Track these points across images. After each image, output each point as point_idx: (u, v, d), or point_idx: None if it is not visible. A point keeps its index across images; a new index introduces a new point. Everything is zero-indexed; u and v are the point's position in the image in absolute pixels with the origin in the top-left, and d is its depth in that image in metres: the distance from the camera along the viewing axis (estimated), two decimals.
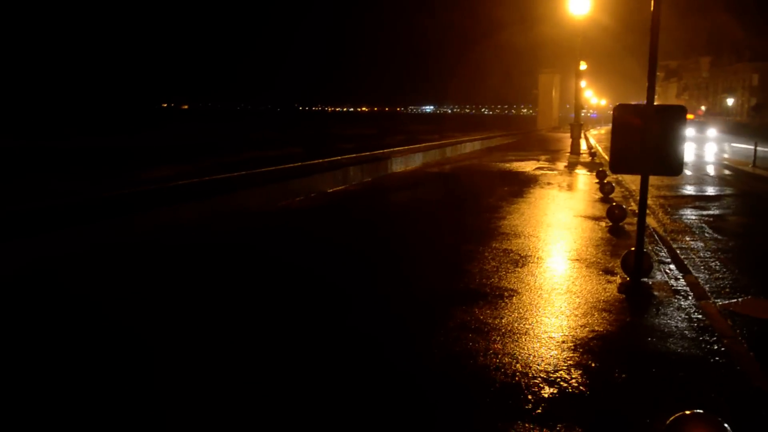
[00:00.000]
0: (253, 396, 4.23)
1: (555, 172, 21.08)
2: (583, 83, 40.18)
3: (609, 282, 7.13)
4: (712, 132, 54.13)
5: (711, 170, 23.77)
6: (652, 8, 6.41)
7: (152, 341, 5.22)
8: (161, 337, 5.33)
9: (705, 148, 39.50)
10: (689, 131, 52.08)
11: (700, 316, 5.99)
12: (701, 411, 3.26)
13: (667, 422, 3.10)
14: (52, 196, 10.70)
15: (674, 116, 6.35)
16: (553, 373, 4.61)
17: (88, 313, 5.92)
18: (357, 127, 71.19)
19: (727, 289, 7.44)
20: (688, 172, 22.11)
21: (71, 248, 7.87)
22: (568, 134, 32.62)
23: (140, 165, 20.15)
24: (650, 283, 7.05)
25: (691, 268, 8.14)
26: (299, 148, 28.96)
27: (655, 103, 6.49)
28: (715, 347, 5.23)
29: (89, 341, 5.20)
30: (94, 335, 5.34)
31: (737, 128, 58.70)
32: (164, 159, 23.00)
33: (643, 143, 6.33)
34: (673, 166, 6.37)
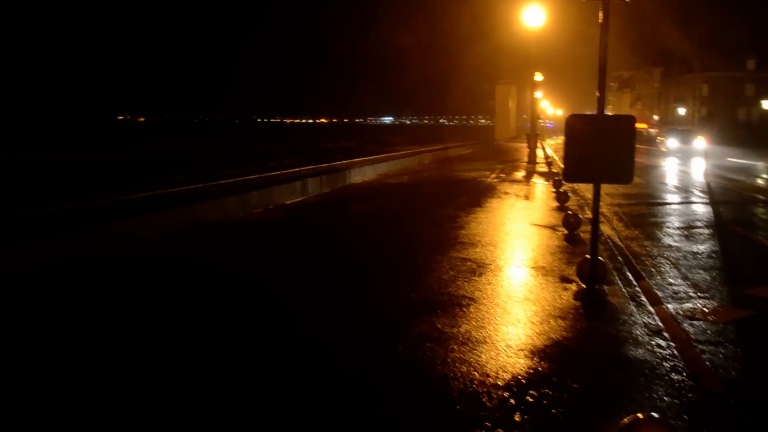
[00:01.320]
0: (211, 410, 4.18)
1: (512, 181, 21.32)
2: (539, 94, 40.79)
3: (565, 289, 7.23)
4: (700, 143, 41.28)
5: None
6: (600, 21, 6.55)
7: (106, 354, 5.13)
8: (116, 350, 5.23)
9: (695, 168, 30.05)
10: (671, 142, 45.86)
11: (653, 321, 6.12)
12: (654, 413, 3.32)
13: (620, 425, 3.16)
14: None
15: (624, 125, 6.49)
16: (510, 381, 4.65)
17: (33, 328, 5.79)
18: (332, 139, 69.95)
19: (681, 295, 7.60)
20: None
21: (19, 266, 7.69)
22: (526, 144, 33.07)
23: (161, 175, 18.90)
24: (605, 289, 7.17)
25: (644, 275, 8.29)
26: (293, 159, 28.13)
27: (606, 113, 6.63)
28: (668, 351, 5.33)
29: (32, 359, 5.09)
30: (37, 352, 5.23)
31: (733, 137, 48.07)
32: (181, 170, 21.54)
33: (594, 152, 6.44)
34: (623, 174, 6.49)
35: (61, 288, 7.29)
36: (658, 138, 54.77)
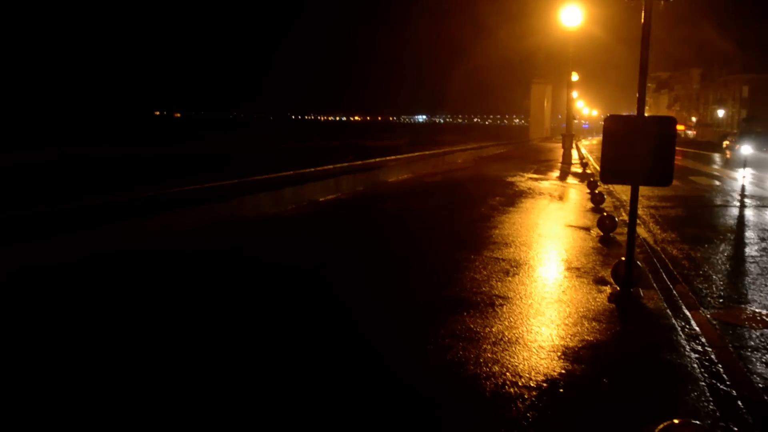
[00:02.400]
0: (258, 397, 4.22)
1: (546, 181, 21.15)
2: (574, 94, 40.39)
3: (599, 291, 7.15)
4: None
5: None
6: (642, 20, 6.47)
7: (162, 342, 5.22)
8: (170, 339, 5.32)
9: None
10: (745, 149, 35.33)
11: (690, 326, 6.03)
12: (690, 419, 3.28)
13: (656, 430, 3.12)
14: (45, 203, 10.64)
15: (664, 127, 6.40)
16: (543, 382, 4.62)
17: (95, 317, 5.90)
18: (373, 137, 68.82)
19: (717, 299, 7.48)
20: None
21: (63, 257, 7.85)
22: (560, 144, 32.78)
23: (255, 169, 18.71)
24: (640, 292, 7.08)
25: (681, 278, 8.17)
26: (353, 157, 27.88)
27: (645, 114, 6.54)
28: (705, 357, 5.25)
29: (99, 344, 5.19)
30: (104, 338, 5.33)
31: None
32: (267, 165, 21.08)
33: (633, 154, 6.37)
34: (662, 176, 6.41)
35: (107, 277, 7.43)
36: (725, 143, 45.25)
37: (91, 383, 4.55)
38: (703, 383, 4.72)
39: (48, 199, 11.70)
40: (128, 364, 4.89)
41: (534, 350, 5.28)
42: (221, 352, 5.19)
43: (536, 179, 21.93)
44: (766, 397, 4.61)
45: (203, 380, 4.62)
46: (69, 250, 8.01)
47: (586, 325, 5.97)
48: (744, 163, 26.87)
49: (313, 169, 16.38)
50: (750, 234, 12.71)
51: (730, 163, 35.76)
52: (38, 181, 18.73)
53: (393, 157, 22.85)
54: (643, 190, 17.36)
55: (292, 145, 46.52)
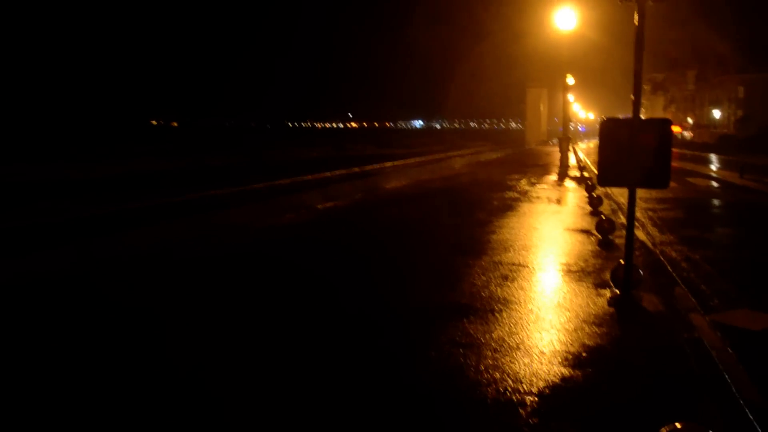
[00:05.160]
0: (260, 398, 4.21)
1: (544, 185, 21.17)
2: (570, 97, 40.45)
3: (599, 295, 7.14)
4: None
5: None
6: (636, 22, 6.48)
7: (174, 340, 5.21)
8: (182, 337, 5.31)
9: None
10: None
11: (689, 328, 6.01)
12: (692, 422, 3.27)
13: None
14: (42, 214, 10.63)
15: (660, 129, 6.40)
16: (544, 388, 4.61)
17: (114, 318, 5.89)
18: (365, 144, 67.71)
19: (717, 301, 7.47)
20: None
21: (65, 264, 7.89)
22: (557, 148, 32.82)
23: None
24: (640, 295, 7.06)
25: (680, 281, 8.16)
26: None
27: (641, 116, 6.54)
28: (705, 359, 5.24)
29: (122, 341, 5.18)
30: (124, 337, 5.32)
31: None
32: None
33: (629, 156, 6.37)
34: (659, 178, 6.41)
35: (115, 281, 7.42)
36: None
37: (98, 382, 4.53)
38: (705, 386, 4.71)
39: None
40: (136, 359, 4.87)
41: (535, 356, 5.27)
42: (226, 349, 5.18)
43: (534, 183, 21.95)
44: (766, 399, 4.59)
45: (214, 367, 4.60)
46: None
47: (587, 329, 5.95)
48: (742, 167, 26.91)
49: (310, 177, 16.41)
50: (748, 235, 12.73)
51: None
52: None
53: (390, 164, 22.91)
54: (641, 193, 17.37)
55: (303, 157, 45.85)
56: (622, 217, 13.20)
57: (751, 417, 4.24)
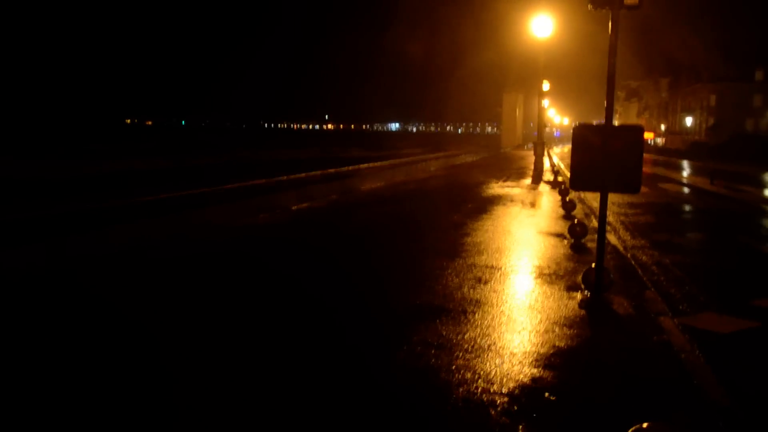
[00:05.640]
0: (239, 399, 4.19)
1: (519, 189, 21.32)
2: (546, 102, 40.79)
3: (570, 298, 7.22)
4: None
5: None
6: (609, 30, 6.57)
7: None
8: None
9: None
10: None
11: (658, 331, 6.10)
12: (659, 422, 3.31)
13: None
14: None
15: (632, 135, 6.50)
16: (514, 389, 4.65)
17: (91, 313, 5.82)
18: (347, 147, 66.94)
19: (686, 305, 7.58)
20: None
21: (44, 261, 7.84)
22: (532, 152, 33.07)
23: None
24: (611, 298, 7.15)
25: (650, 284, 8.27)
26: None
27: (614, 122, 6.64)
28: (673, 361, 5.32)
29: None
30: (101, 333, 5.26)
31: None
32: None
33: (602, 162, 6.46)
34: (631, 183, 6.50)
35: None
36: None
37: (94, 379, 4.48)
38: (672, 387, 4.78)
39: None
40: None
41: (506, 357, 5.31)
42: (198, 344, 5.15)
43: (509, 187, 22.09)
44: (732, 400, 4.67)
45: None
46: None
47: (558, 331, 6.02)
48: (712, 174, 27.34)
49: (285, 177, 16.35)
50: (717, 240, 12.94)
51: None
52: None
53: (366, 165, 22.92)
54: (614, 198, 17.59)
55: (284, 157, 45.39)
56: (594, 221, 13.34)
57: (716, 417, 4.32)
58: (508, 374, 4.93)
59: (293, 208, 15.00)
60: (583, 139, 6.62)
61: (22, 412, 4.24)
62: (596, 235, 7.03)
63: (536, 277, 8.26)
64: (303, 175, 17.42)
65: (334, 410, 4.30)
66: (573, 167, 6.69)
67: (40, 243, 8.24)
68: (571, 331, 6.04)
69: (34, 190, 19.05)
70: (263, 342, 5.66)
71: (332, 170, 19.67)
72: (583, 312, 6.70)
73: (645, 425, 3.19)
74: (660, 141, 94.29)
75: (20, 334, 5.83)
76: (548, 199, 18.57)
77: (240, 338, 5.74)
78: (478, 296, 7.21)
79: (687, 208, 19.22)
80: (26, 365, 5.07)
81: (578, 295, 7.30)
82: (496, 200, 17.53)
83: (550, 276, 8.30)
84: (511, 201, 17.44)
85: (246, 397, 4.46)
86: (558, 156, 55.83)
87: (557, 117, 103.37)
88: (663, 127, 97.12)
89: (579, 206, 15.36)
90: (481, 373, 4.94)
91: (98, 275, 8.00)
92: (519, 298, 7.25)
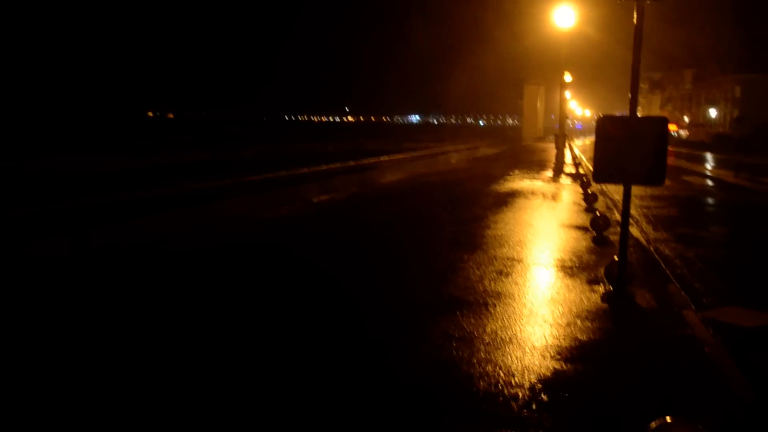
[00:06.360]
0: (260, 386, 4.23)
1: (540, 181, 21.20)
2: (567, 94, 40.47)
3: (593, 291, 7.18)
4: None
5: None
6: (635, 21, 6.50)
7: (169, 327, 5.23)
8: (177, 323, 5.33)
9: None
10: None
11: (682, 325, 6.05)
12: (682, 417, 3.30)
13: (649, 428, 3.14)
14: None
15: (656, 127, 6.43)
16: (535, 382, 4.64)
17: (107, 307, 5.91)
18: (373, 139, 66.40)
19: (709, 298, 7.51)
20: None
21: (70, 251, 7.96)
22: (553, 144, 32.85)
23: None
24: (633, 292, 7.10)
25: (673, 278, 8.20)
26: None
27: (638, 114, 6.57)
28: (697, 355, 5.28)
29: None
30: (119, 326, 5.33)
31: None
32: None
33: (625, 154, 6.39)
34: (655, 176, 6.44)
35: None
36: None
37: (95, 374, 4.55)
38: (695, 381, 4.75)
39: None
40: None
41: (527, 350, 5.30)
42: (223, 335, 5.20)
43: (529, 179, 21.98)
44: (757, 395, 4.63)
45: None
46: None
47: (579, 324, 5.99)
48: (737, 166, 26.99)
49: (306, 170, 16.37)
50: (741, 233, 12.79)
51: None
52: None
53: (387, 158, 22.89)
54: (636, 190, 17.37)
55: (316, 150, 44.87)
56: (616, 213, 13.23)
57: (740, 412, 4.29)
58: (529, 367, 4.92)
59: (314, 200, 15.04)
60: (606, 130, 6.55)
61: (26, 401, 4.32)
62: (619, 228, 6.98)
63: (558, 270, 8.23)
64: (324, 167, 17.44)
65: (355, 398, 4.33)
66: (596, 159, 6.64)
67: (65, 236, 8.34)
68: (593, 324, 6.01)
69: (87, 183, 19.06)
70: (287, 330, 5.69)
71: (353, 163, 19.67)
72: (605, 305, 6.66)
73: (669, 419, 3.18)
74: (684, 133, 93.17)
75: (53, 318, 5.93)
76: (570, 191, 18.45)
77: (267, 326, 5.79)
78: (500, 289, 7.20)
79: (711, 200, 19.00)
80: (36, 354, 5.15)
81: (600, 289, 7.26)
82: (517, 193, 17.45)
83: (571, 269, 8.26)
84: (532, 193, 17.36)
85: (270, 382, 4.50)
86: (579, 148, 55.40)
87: (579, 109, 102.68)
88: (686, 119, 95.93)
89: (601, 199, 15.25)
90: (502, 365, 4.94)
91: (122, 266, 8.09)
92: (541, 291, 7.23)
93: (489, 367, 4.88)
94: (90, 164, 25.97)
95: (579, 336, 5.66)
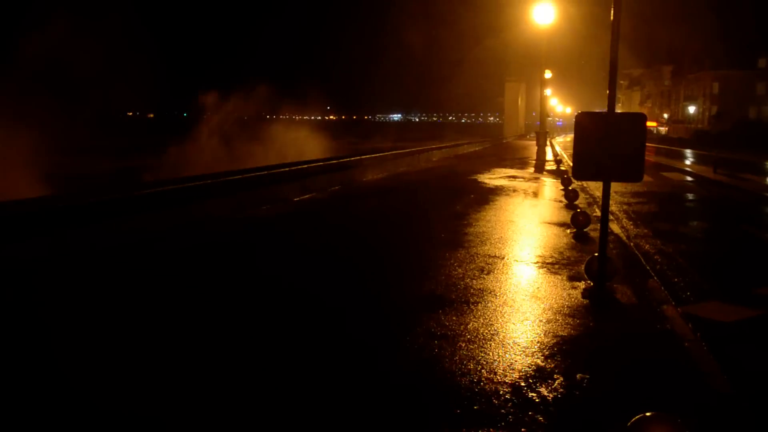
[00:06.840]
0: (243, 386, 4.20)
1: (521, 179, 21.29)
2: (548, 91, 40.69)
3: (573, 287, 7.21)
4: None
5: None
6: (612, 17, 6.53)
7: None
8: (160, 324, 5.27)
9: None
10: None
11: (661, 320, 6.10)
12: (662, 412, 3.31)
13: (629, 423, 3.15)
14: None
15: (634, 123, 6.46)
16: (518, 378, 4.65)
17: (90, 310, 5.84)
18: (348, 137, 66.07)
19: (689, 293, 7.57)
20: None
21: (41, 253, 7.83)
22: (534, 142, 33.02)
23: None
24: (614, 287, 7.15)
25: (653, 273, 8.26)
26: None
27: (616, 111, 6.61)
28: (676, 350, 5.32)
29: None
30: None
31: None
32: None
33: (604, 150, 6.42)
34: (633, 172, 6.47)
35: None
36: None
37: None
38: (675, 376, 4.78)
39: None
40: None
41: (509, 347, 5.31)
42: (205, 333, 5.15)
43: (511, 176, 22.06)
44: (736, 389, 4.67)
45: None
46: None
47: (561, 320, 6.01)
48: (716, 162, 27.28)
49: (287, 169, 16.26)
50: (721, 229, 12.91)
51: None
52: None
53: (368, 156, 22.81)
54: (617, 187, 17.55)
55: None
56: (597, 210, 13.32)
57: (720, 406, 4.32)
58: (511, 364, 4.92)
59: (295, 199, 14.98)
60: (585, 127, 6.58)
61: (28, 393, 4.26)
62: (599, 225, 7.01)
63: (539, 267, 8.26)
64: (304, 165, 17.33)
65: (337, 398, 4.31)
66: (575, 156, 6.66)
67: (43, 236, 8.22)
68: (574, 320, 6.03)
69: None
70: (268, 332, 5.66)
71: (334, 161, 19.58)
72: (586, 301, 6.69)
73: (648, 414, 3.20)
74: (663, 130, 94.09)
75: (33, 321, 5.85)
76: (551, 188, 18.54)
77: (245, 328, 5.74)
78: (481, 286, 7.21)
79: (690, 196, 19.17)
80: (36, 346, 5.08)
81: (581, 285, 7.30)
82: (499, 190, 17.51)
83: (553, 266, 8.29)
84: (514, 191, 17.42)
85: (254, 386, 4.47)
86: (560, 145, 55.73)
87: (560, 106, 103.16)
88: (666, 115, 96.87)
89: (581, 196, 15.34)
90: (484, 363, 4.94)
91: (103, 267, 8.00)
92: (522, 288, 7.24)
93: (471, 365, 4.88)
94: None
95: (560, 332, 5.68)
